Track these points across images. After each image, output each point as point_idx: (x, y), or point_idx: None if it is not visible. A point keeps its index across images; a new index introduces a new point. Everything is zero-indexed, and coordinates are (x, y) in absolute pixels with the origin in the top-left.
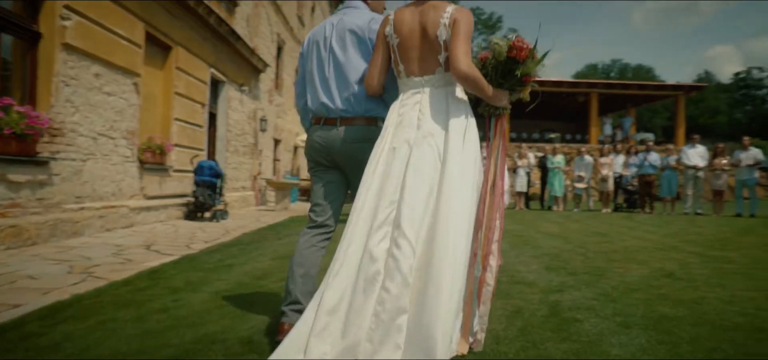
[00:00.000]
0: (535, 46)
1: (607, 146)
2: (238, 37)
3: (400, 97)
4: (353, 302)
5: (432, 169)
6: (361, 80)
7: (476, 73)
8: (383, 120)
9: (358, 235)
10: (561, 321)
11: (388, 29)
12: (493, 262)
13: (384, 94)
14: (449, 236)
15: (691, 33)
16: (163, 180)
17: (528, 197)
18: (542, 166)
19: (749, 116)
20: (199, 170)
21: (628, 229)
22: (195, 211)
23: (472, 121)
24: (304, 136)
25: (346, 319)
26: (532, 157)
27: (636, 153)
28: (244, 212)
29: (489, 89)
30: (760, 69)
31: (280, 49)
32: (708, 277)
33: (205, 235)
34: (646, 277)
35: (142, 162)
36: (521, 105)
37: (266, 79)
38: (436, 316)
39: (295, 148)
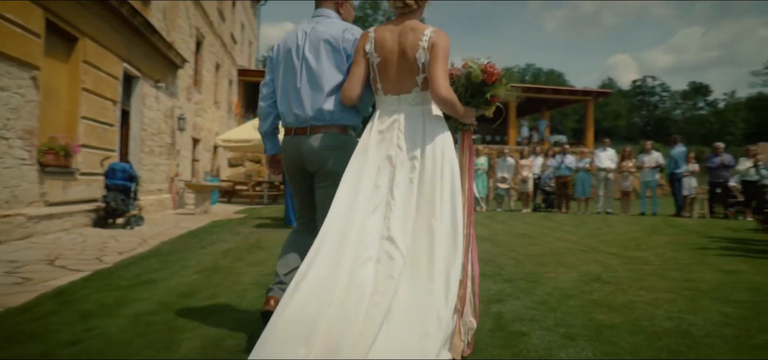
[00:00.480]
0: (505, 72)
1: (526, 148)
2: (154, 31)
3: (378, 114)
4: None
5: (416, 185)
6: (335, 90)
7: (454, 97)
8: (354, 128)
9: (341, 251)
10: (508, 335)
11: (368, 46)
12: (470, 269)
13: (358, 104)
14: (440, 249)
15: (594, 42)
16: (69, 184)
17: None
18: None
19: (644, 120)
20: (110, 173)
21: (549, 230)
22: (106, 217)
23: (449, 136)
24: (227, 136)
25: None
26: None
27: (553, 155)
28: (161, 217)
29: (461, 108)
30: (653, 78)
31: (199, 44)
32: (632, 280)
33: (118, 244)
34: (577, 282)
35: (42, 165)
36: None
37: (184, 75)
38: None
39: (215, 147)
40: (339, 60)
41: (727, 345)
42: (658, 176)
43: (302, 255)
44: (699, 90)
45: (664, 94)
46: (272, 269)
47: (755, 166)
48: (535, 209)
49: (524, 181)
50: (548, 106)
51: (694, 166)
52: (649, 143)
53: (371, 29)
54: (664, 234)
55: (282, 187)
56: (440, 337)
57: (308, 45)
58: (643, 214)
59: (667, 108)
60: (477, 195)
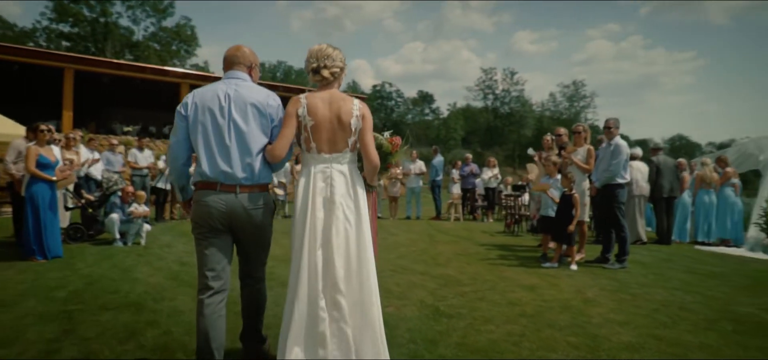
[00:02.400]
0: (403, 142)
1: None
2: None
3: (311, 169)
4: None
5: (351, 229)
6: (260, 151)
7: (379, 163)
8: (272, 185)
9: (305, 295)
10: None
11: (301, 111)
12: None
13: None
14: (371, 278)
15: (338, 45)
16: None
17: None
18: None
19: (383, 122)
20: None
21: None
22: None
23: (364, 187)
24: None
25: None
26: None
27: None
28: None
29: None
30: (390, 84)
31: None
32: (467, 310)
33: None
34: (424, 319)
35: None
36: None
37: None
38: (374, 335)
39: None
40: (265, 124)
41: None
42: (421, 183)
43: (223, 339)
44: (425, 98)
45: (399, 99)
46: None
47: (526, 184)
48: None
49: None
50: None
51: (455, 175)
52: (414, 152)
53: (301, 96)
54: (442, 242)
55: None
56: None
57: (235, 107)
58: (408, 217)
59: (401, 112)
60: None
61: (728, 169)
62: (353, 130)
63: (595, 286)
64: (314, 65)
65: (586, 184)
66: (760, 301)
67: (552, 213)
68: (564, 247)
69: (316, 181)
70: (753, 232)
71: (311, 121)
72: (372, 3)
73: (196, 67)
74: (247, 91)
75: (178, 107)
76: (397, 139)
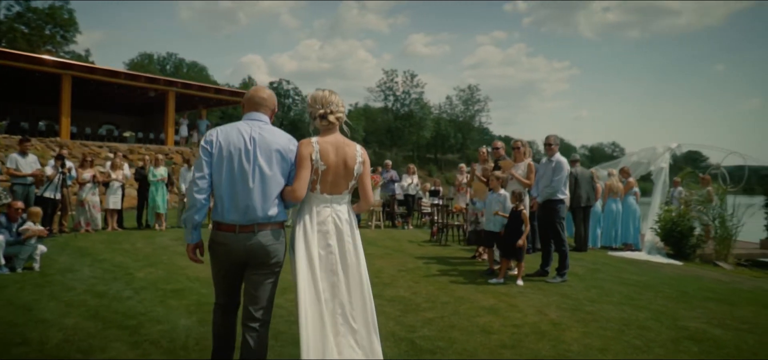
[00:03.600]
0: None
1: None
2: None
3: (314, 208)
4: None
5: (353, 260)
6: (279, 192)
7: (373, 202)
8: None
9: (319, 330)
10: None
11: (315, 156)
12: None
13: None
14: (369, 298)
15: (230, 38)
16: None
17: (121, 215)
18: (141, 178)
19: (279, 120)
20: None
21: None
22: None
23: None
24: None
25: None
26: (126, 168)
27: None
28: None
29: None
30: (288, 81)
31: None
32: (442, 340)
33: None
34: (406, 354)
35: None
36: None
37: None
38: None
39: None
40: (285, 167)
41: None
42: None
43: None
44: None
45: (297, 97)
46: None
47: (472, 201)
48: None
49: None
50: (206, 104)
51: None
52: None
53: (313, 140)
54: (376, 255)
55: None
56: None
57: (260, 151)
58: None
59: (299, 111)
60: (159, 211)
61: (631, 180)
62: (355, 174)
63: (551, 304)
64: (321, 111)
65: (527, 199)
66: (697, 313)
67: (493, 227)
68: (512, 263)
69: (319, 220)
70: (649, 236)
71: (324, 165)
72: None
73: (73, 55)
74: (270, 135)
75: (202, 143)
76: (377, 177)
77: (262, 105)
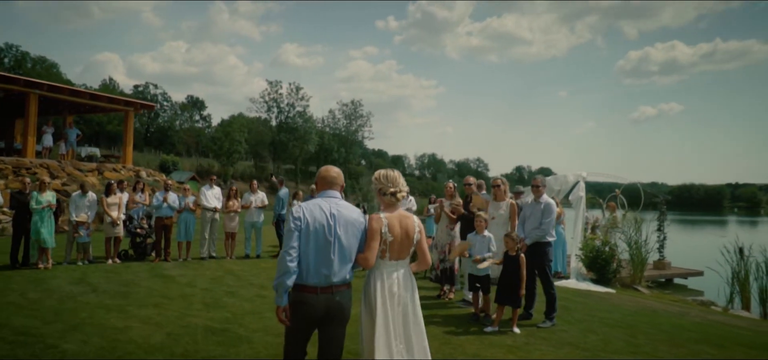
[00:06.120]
0: None
1: (113, 184)
2: None
3: (383, 272)
4: None
5: (418, 319)
6: (352, 259)
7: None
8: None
9: None
10: None
11: (384, 229)
12: None
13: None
14: (428, 350)
15: (81, 33)
16: None
17: None
18: (19, 204)
19: (145, 127)
20: None
21: (182, 287)
22: None
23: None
24: None
25: None
26: None
27: (142, 190)
28: None
29: None
30: (155, 86)
31: None
32: None
33: None
34: None
35: None
36: None
37: None
38: None
39: None
40: (358, 237)
41: None
42: (263, 217)
43: None
44: (196, 104)
45: (166, 103)
46: None
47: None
48: (124, 258)
49: (113, 224)
50: (75, 110)
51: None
52: (254, 183)
53: (382, 216)
54: None
55: None
56: None
57: (339, 225)
58: (247, 256)
59: (168, 117)
60: (46, 245)
61: (559, 209)
62: (415, 242)
63: (559, 354)
64: (392, 190)
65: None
66: (681, 351)
67: (482, 271)
68: (506, 309)
69: (389, 282)
70: (574, 262)
71: (391, 237)
72: None
73: None
74: (346, 210)
75: (292, 218)
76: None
77: (335, 183)
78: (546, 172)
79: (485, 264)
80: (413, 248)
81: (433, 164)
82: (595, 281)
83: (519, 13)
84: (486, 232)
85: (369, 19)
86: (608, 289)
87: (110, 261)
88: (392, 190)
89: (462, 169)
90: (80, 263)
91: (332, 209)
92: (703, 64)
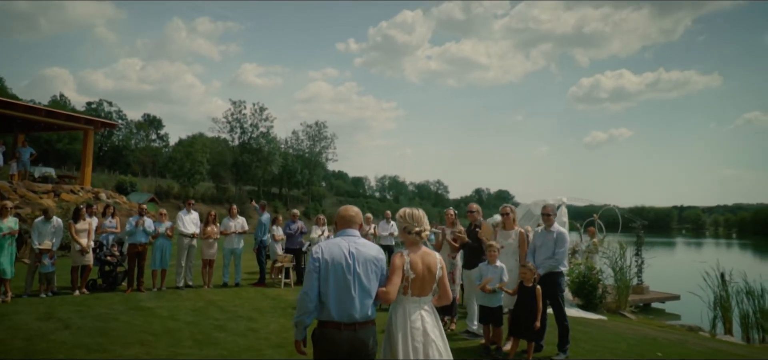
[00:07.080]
0: None
1: (82, 208)
2: None
3: (406, 308)
4: None
5: (442, 350)
6: (373, 295)
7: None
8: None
9: None
10: None
11: (406, 267)
12: None
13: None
14: None
15: (27, 46)
16: None
17: None
18: None
19: (98, 146)
20: None
21: (164, 320)
22: None
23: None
24: None
25: None
26: None
27: (113, 215)
28: None
29: None
30: (110, 103)
31: None
32: None
33: None
34: None
35: None
36: None
37: None
38: None
39: None
40: (377, 273)
41: None
42: (242, 243)
43: None
44: (152, 122)
45: (121, 121)
46: None
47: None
48: (93, 288)
49: (82, 252)
50: (26, 127)
51: (278, 233)
52: (234, 207)
53: (405, 253)
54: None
55: None
56: None
57: (358, 263)
58: (225, 284)
59: (124, 136)
60: (6, 276)
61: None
62: (437, 279)
63: None
64: (417, 229)
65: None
66: None
67: (494, 302)
68: (522, 342)
69: (411, 318)
70: None
71: (413, 274)
72: (79, 4)
73: None
74: (364, 248)
75: (311, 259)
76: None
77: (354, 222)
78: (504, 194)
79: (498, 285)
80: (436, 285)
81: (394, 186)
82: (583, 307)
83: (476, 38)
84: (498, 263)
85: (330, 40)
86: (600, 316)
87: (77, 292)
88: (417, 229)
89: (422, 192)
90: (43, 295)
91: (351, 248)
92: (649, 92)
